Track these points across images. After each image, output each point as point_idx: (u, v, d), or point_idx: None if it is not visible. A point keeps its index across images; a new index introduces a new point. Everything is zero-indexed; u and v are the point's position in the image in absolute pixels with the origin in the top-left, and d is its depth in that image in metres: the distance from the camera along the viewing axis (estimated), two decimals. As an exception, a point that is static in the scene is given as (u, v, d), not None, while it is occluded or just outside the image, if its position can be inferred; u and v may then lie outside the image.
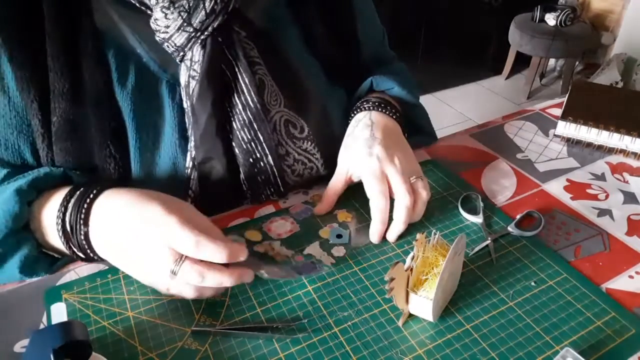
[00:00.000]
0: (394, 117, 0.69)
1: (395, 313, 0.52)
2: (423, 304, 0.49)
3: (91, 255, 0.53)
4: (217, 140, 0.60)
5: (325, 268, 0.56)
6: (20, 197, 0.52)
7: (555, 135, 0.82)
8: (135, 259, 0.50)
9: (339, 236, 0.61)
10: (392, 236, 0.60)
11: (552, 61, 3.19)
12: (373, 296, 0.54)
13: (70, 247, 0.53)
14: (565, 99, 0.87)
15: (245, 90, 0.60)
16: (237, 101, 0.61)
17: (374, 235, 0.60)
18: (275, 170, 0.63)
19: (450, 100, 2.94)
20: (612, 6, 2.86)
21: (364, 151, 0.62)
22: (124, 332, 0.50)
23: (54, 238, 0.54)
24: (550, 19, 2.69)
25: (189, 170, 0.61)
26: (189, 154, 0.61)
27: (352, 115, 0.70)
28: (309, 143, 0.66)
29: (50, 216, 0.53)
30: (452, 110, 2.84)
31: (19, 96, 0.55)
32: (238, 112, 0.61)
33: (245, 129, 0.61)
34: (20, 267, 0.54)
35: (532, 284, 0.55)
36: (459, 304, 0.53)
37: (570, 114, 0.81)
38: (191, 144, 0.60)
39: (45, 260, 0.56)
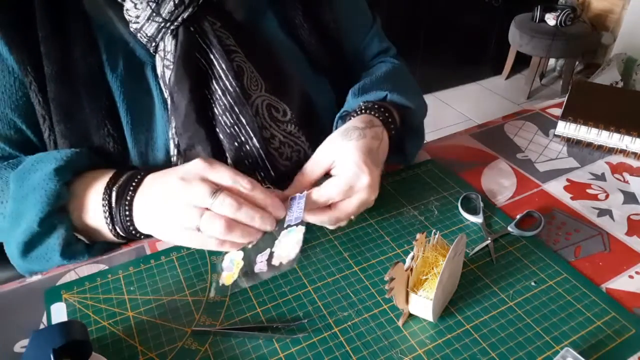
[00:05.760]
0: (382, 119, 0.65)
1: (395, 313, 0.52)
2: (423, 304, 0.49)
3: (131, 229, 0.54)
4: (198, 127, 0.61)
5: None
6: (60, 177, 0.54)
7: (555, 135, 0.82)
8: (171, 200, 0.50)
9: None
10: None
11: (552, 61, 3.19)
12: (373, 296, 0.54)
13: (112, 221, 0.55)
14: (565, 99, 0.87)
15: (222, 76, 0.61)
16: (217, 87, 0.62)
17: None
18: (262, 153, 0.63)
19: (450, 100, 2.94)
20: (612, 6, 2.86)
21: (349, 144, 0.59)
22: (124, 332, 0.50)
23: (95, 216, 0.55)
24: (550, 19, 2.69)
25: (175, 157, 0.62)
26: (171, 141, 0.62)
27: (352, 116, 0.67)
28: (293, 126, 0.66)
29: (95, 195, 0.55)
30: (452, 110, 2.84)
31: (19, 72, 0.56)
32: (218, 98, 0.62)
33: (227, 114, 0.62)
34: (61, 248, 0.55)
35: (532, 284, 0.55)
36: (459, 304, 0.53)
37: (570, 114, 0.81)
38: (172, 132, 0.61)
39: (80, 243, 0.58)
